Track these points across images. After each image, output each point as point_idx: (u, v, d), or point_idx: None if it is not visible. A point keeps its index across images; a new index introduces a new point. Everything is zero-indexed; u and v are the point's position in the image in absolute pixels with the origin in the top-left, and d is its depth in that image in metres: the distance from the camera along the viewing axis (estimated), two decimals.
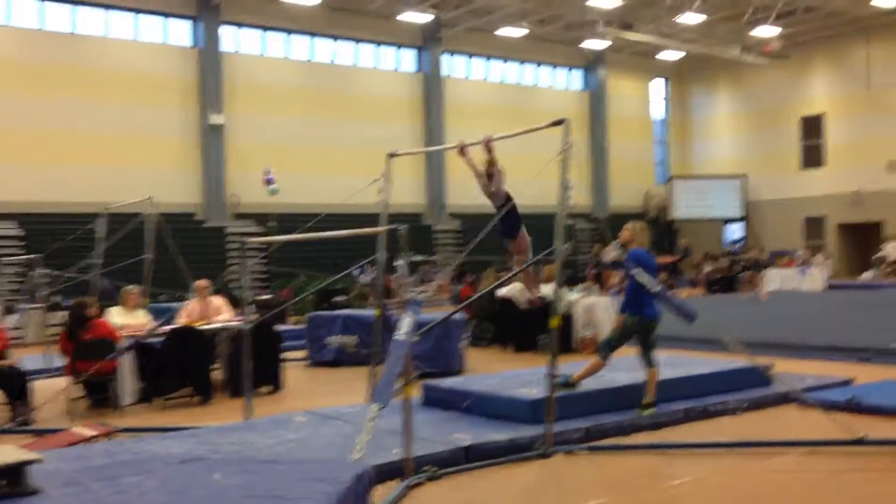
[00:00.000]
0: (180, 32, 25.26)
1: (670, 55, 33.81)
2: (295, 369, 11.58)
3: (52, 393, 8.65)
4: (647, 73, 36.02)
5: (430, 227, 28.62)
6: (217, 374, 9.94)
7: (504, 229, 7.95)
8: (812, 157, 32.79)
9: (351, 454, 5.01)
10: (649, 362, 7.37)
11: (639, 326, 7.32)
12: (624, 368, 8.11)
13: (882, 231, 29.67)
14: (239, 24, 26.07)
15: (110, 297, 12.04)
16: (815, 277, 24.96)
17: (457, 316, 10.97)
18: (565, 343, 11.84)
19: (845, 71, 31.76)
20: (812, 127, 32.77)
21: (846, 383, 8.65)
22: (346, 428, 6.92)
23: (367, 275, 20.68)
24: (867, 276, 27.99)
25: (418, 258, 22.57)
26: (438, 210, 29.17)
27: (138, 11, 24.36)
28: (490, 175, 7.89)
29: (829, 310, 16.71)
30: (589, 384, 7.50)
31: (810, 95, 32.86)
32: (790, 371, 9.05)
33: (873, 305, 17.32)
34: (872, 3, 26.97)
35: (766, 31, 28.70)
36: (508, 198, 7.93)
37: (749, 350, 7.37)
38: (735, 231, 34.90)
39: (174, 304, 12.11)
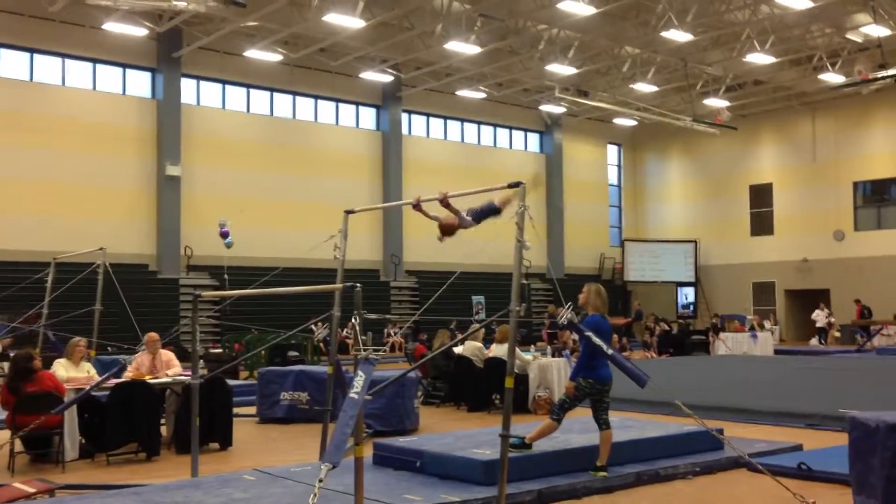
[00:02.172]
0: (140, 83, 25.23)
1: (625, 122, 34.66)
2: (245, 425, 11.36)
3: None
4: (603, 139, 36.85)
5: (387, 283, 28.59)
6: (164, 429, 9.72)
7: (471, 216, 7.75)
8: (761, 224, 33.64)
9: None
10: (604, 424, 7.39)
11: (592, 389, 7.36)
12: (577, 430, 8.11)
13: (829, 298, 30.37)
14: (199, 78, 26.14)
15: (56, 349, 11.77)
16: (765, 342, 25.41)
17: (411, 374, 10.90)
18: (520, 403, 11.81)
19: (792, 143, 32.85)
20: (761, 195, 33.69)
21: (795, 449, 8.74)
22: (296, 487, 6.79)
23: (322, 331, 20.53)
24: (814, 341, 28.61)
25: (373, 316, 22.48)
26: (395, 267, 29.18)
27: (97, 62, 24.31)
28: (452, 226, 7.77)
29: (778, 375, 16.94)
30: (542, 445, 7.48)
31: (759, 165, 33.86)
32: (740, 435, 9.13)
33: (820, 370, 17.62)
34: (819, 78, 28.02)
35: (716, 102, 29.63)
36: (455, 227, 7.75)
37: (700, 414, 7.43)
38: (687, 294, 35.43)
39: (123, 357, 11.87)
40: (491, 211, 7.62)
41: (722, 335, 25.10)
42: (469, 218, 7.65)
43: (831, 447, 8.47)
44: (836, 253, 30.99)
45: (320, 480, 4.84)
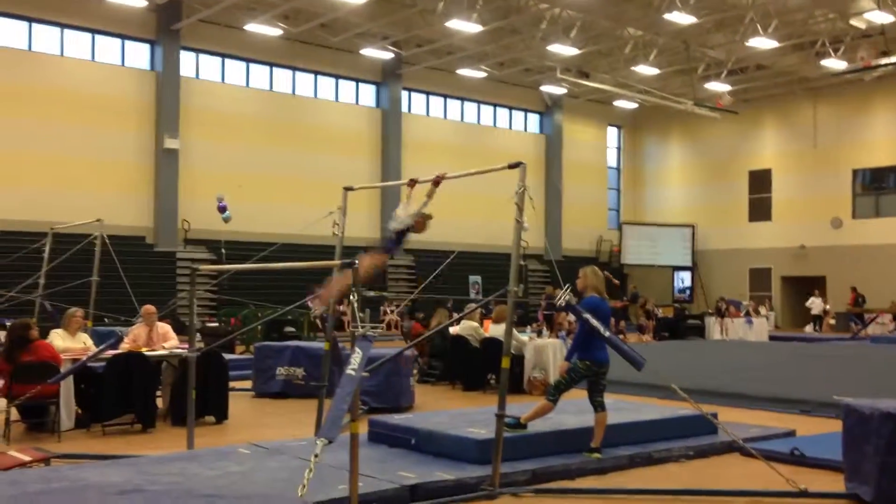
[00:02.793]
0: (139, 55, 25.07)
1: (625, 104, 34.54)
2: (241, 399, 11.40)
3: None
4: (603, 121, 36.73)
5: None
6: (160, 401, 9.74)
7: (391, 246, 7.88)
8: (759, 210, 33.62)
9: (296, 490, 4.93)
10: (599, 406, 7.41)
11: (588, 371, 7.37)
12: (572, 411, 8.13)
13: (825, 285, 30.43)
14: (199, 51, 25.99)
15: (53, 320, 11.76)
16: (760, 328, 25.49)
17: (407, 353, 10.93)
18: (515, 384, 11.85)
19: (793, 129, 32.76)
20: (760, 181, 33.64)
21: (789, 434, 8.78)
22: (291, 462, 6.81)
23: (319, 307, 20.52)
24: (809, 328, 28.72)
25: (371, 293, 22.49)
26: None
27: (96, 32, 24.13)
28: (422, 222, 7.77)
29: (773, 360, 17.00)
30: (537, 426, 7.50)
31: (759, 150, 33.79)
32: (735, 420, 9.17)
33: (815, 357, 17.68)
34: (821, 64, 27.92)
35: (718, 86, 29.52)
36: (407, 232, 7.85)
37: (695, 398, 7.45)
38: (683, 279, 35.47)
39: (119, 329, 11.87)
40: (405, 231, 7.68)
41: (726, 320, 25.16)
42: (392, 238, 7.73)
43: (824, 434, 8.52)
44: (834, 240, 31.00)
45: (316, 455, 4.85)
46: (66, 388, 8.84)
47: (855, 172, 31.25)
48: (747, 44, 25.91)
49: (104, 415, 8.99)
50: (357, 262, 5.83)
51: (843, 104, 31.23)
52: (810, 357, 17.80)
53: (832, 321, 29.17)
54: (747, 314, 26.14)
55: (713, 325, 25.38)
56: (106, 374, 9.02)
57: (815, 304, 28.99)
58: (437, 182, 7.65)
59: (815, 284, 30.30)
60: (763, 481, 6.63)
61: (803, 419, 10.02)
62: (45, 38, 23.38)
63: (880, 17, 23.29)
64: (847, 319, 28.36)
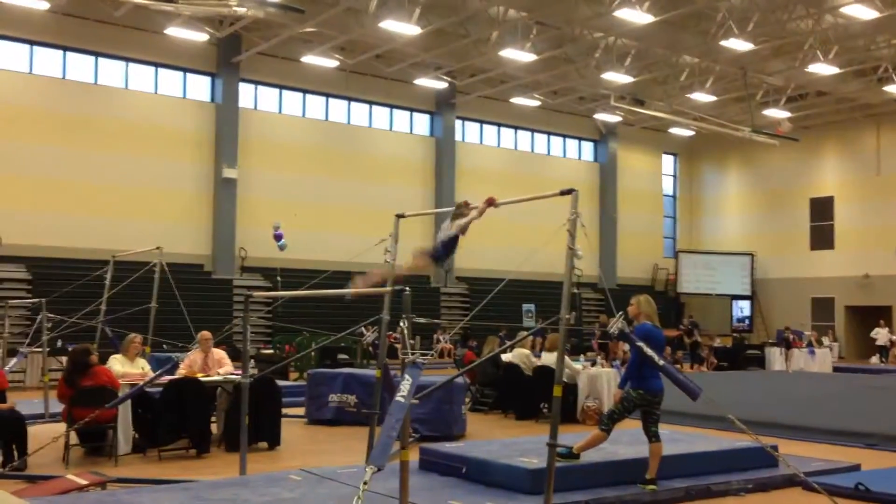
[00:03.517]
0: (199, 87, 25.70)
1: (681, 132, 34.20)
2: (293, 426, 11.45)
3: (47, 438, 8.54)
4: (658, 148, 36.41)
5: (437, 289, 28.61)
6: (215, 426, 9.84)
7: (439, 254, 7.85)
8: (821, 238, 32.85)
9: None
10: (653, 437, 7.26)
11: (642, 400, 7.24)
12: (626, 442, 7.99)
13: (891, 315, 29.53)
14: (257, 83, 26.54)
15: (112, 345, 11.99)
16: (823, 358, 24.81)
17: (459, 380, 10.87)
18: (569, 413, 11.70)
19: (855, 156, 32.04)
20: (821, 209, 32.91)
21: (853, 469, 8.49)
22: (341, 489, 6.81)
23: (371, 334, 20.60)
24: (874, 359, 27.84)
25: (422, 320, 22.51)
26: (445, 273, 29.19)
27: (159, 65, 24.83)
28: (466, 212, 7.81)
29: (836, 392, 16.51)
30: (591, 456, 7.38)
31: (820, 178, 33.09)
32: (796, 453, 8.90)
33: (880, 390, 17.12)
34: (884, 90, 27.31)
35: (777, 113, 29.05)
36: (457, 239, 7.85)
37: (754, 430, 7.25)
38: (742, 308, 34.77)
39: (176, 355, 12.05)
40: (453, 240, 7.63)
41: (792, 350, 24.53)
42: (439, 248, 7.71)
43: (891, 468, 8.22)
44: None
45: (365, 483, 4.83)
46: (124, 413, 8.99)
47: None
48: (807, 70, 25.49)
49: (160, 440, 9.10)
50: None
51: None
52: (876, 389, 17.24)
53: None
54: (809, 344, 25.46)
55: (775, 356, 24.77)
56: (162, 400, 9.15)
57: (880, 334, 28.14)
58: (489, 202, 7.65)
59: (880, 314, 29.42)
60: None
61: (868, 453, 9.69)
62: (111, 71, 24.13)
63: None
64: None
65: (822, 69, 25.08)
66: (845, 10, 21.16)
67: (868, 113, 30.79)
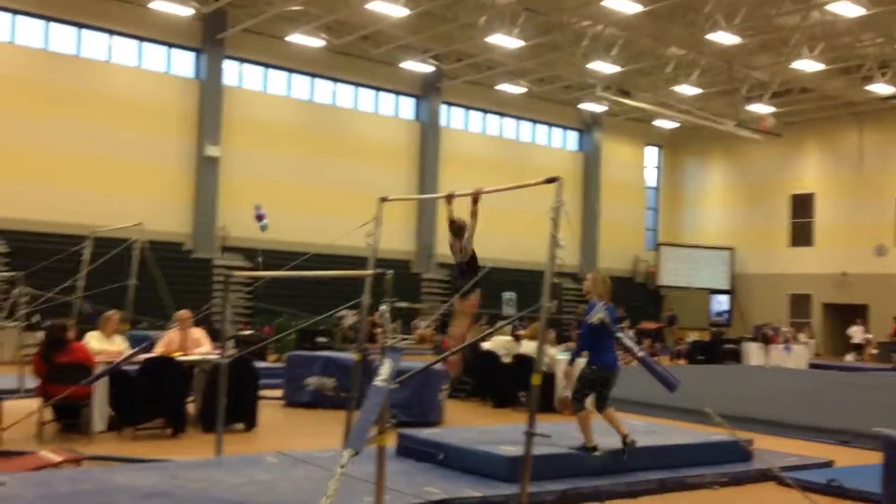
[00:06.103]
0: (183, 63, 25.43)
1: (665, 123, 34.28)
2: (270, 408, 11.41)
3: (21, 414, 8.45)
4: (642, 140, 36.48)
5: (418, 274, 28.58)
6: (191, 406, 9.78)
7: (460, 286, 7.98)
8: (800, 235, 33.10)
9: (320, 500, 4.89)
10: (583, 406, 7.37)
11: (598, 375, 7.33)
12: (601, 432, 8.01)
13: (867, 313, 29.82)
14: (242, 60, 26.30)
15: (90, 322, 11.87)
16: (799, 355, 25.03)
17: (437, 366, 10.86)
18: (546, 402, 11.72)
19: (837, 153, 32.24)
20: (802, 205, 33.15)
21: (826, 465, 8.56)
22: (317, 472, 6.79)
23: (351, 318, 20.57)
24: (850, 357, 28.14)
25: (403, 305, 22.49)
26: (427, 258, 29.15)
27: (143, 39, 24.53)
28: (462, 228, 7.92)
29: (811, 389, 16.66)
30: (568, 445, 7.42)
31: (801, 174, 33.30)
32: (771, 448, 8.97)
33: (855, 387, 17.29)
34: (867, 89, 27.47)
35: (761, 108, 29.17)
36: (474, 257, 7.98)
37: (729, 424, 7.30)
38: (721, 302, 35.00)
39: (153, 333, 11.96)
40: (467, 265, 8.08)
41: (771, 346, 24.73)
42: (470, 249, 7.88)
43: (864, 465, 8.29)
44: (877, 268, 30.38)
45: (342, 466, 4.81)
46: (100, 391, 8.91)
47: None
48: (792, 66, 25.59)
49: (136, 418, 9.04)
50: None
51: (889, 130, 30.67)
52: (850, 386, 17.41)
53: (874, 351, 28.55)
54: (786, 341, 25.67)
55: (752, 351, 24.96)
56: (138, 378, 9.07)
57: (856, 332, 28.41)
58: (475, 199, 7.67)
59: (856, 313, 29.70)
60: None
61: (842, 450, 9.77)
62: (94, 43, 23.81)
63: None
64: (889, 349, 27.74)
65: (808, 65, 25.19)
66: (832, 6, 21.24)
67: (851, 111, 30.98)
